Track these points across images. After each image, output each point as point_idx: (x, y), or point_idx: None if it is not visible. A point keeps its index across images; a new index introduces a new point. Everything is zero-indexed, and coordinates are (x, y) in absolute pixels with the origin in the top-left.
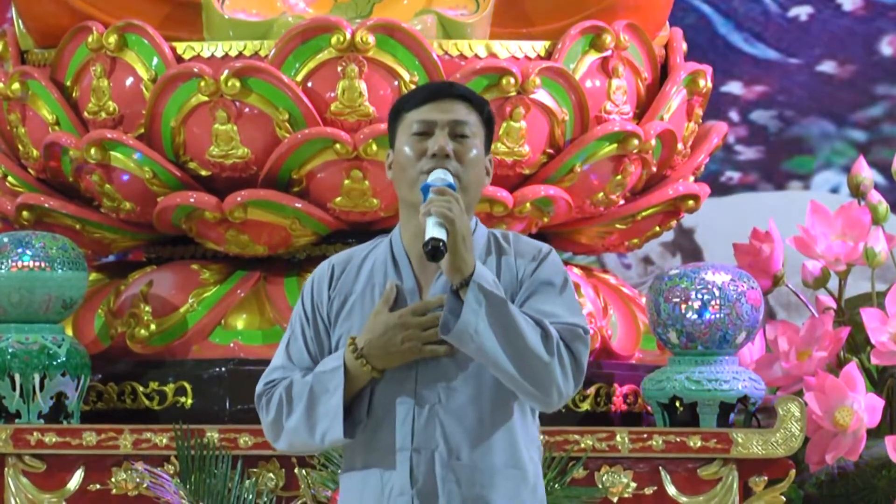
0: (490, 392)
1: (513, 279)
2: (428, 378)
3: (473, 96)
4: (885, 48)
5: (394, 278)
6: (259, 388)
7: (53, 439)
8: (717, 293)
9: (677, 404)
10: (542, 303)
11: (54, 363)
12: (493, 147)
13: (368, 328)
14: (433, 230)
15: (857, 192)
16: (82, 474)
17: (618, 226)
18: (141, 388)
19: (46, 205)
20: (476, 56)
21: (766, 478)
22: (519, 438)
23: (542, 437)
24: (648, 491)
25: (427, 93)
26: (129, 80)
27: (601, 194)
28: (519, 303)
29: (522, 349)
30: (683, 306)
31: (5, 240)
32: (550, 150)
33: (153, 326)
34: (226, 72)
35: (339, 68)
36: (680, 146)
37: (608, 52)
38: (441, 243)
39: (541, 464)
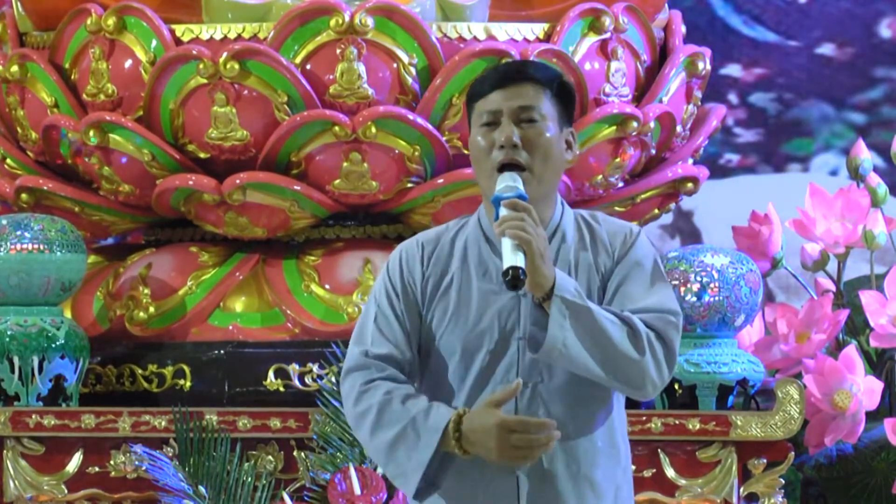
0: None
1: (608, 260)
2: (531, 360)
3: (542, 74)
4: (885, 31)
5: (489, 256)
6: (353, 363)
7: (52, 422)
8: (715, 276)
9: (676, 387)
10: (634, 286)
11: (53, 346)
12: None
13: (479, 418)
14: (510, 257)
15: (856, 174)
16: (81, 457)
17: (617, 208)
18: (140, 371)
19: (45, 187)
20: (475, 38)
21: (764, 460)
22: (615, 418)
23: None
24: (647, 473)
25: (494, 80)
26: (128, 63)
27: (600, 177)
28: (613, 286)
29: (612, 354)
30: (682, 289)
31: (4, 222)
32: None
33: (152, 309)
34: (225, 54)
35: (338, 51)
36: (679, 129)
37: (607, 35)
38: (520, 271)
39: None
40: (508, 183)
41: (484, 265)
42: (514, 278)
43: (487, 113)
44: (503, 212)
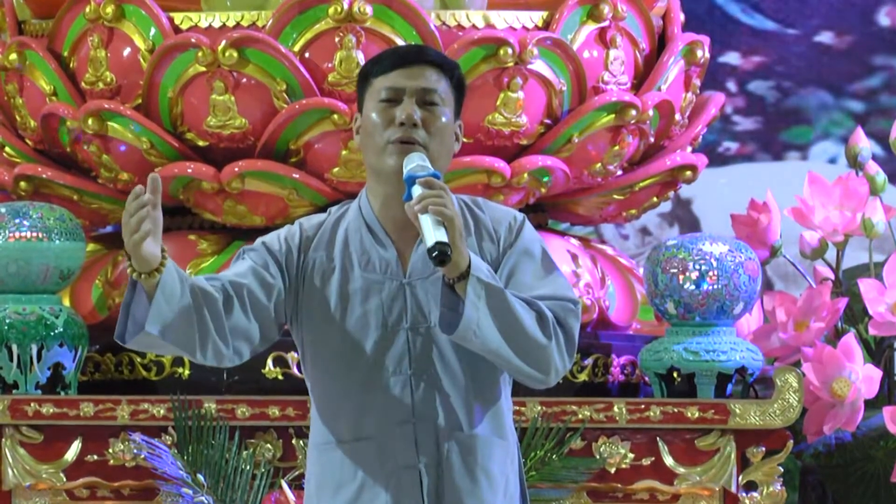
0: (482, 362)
1: (493, 248)
2: (422, 350)
3: (444, 61)
4: (883, 18)
5: (371, 245)
6: None
7: (51, 410)
8: (714, 264)
9: (675, 375)
10: (526, 275)
11: (52, 334)
12: (490, 118)
13: None
14: (434, 232)
15: (854, 162)
16: (80, 445)
17: (615, 196)
18: (138, 359)
19: (44, 175)
20: (473, 26)
21: (763, 448)
22: (504, 408)
23: (539, 407)
24: (646, 462)
25: (396, 58)
26: (127, 51)
27: (599, 165)
28: (504, 275)
29: (522, 337)
30: (681, 277)
31: (2, 210)
32: (548, 121)
33: None
34: (223, 42)
35: (337, 39)
36: (677, 117)
37: (606, 23)
38: (447, 247)
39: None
40: (419, 162)
41: (366, 255)
42: (441, 254)
43: (388, 89)
44: (417, 189)
